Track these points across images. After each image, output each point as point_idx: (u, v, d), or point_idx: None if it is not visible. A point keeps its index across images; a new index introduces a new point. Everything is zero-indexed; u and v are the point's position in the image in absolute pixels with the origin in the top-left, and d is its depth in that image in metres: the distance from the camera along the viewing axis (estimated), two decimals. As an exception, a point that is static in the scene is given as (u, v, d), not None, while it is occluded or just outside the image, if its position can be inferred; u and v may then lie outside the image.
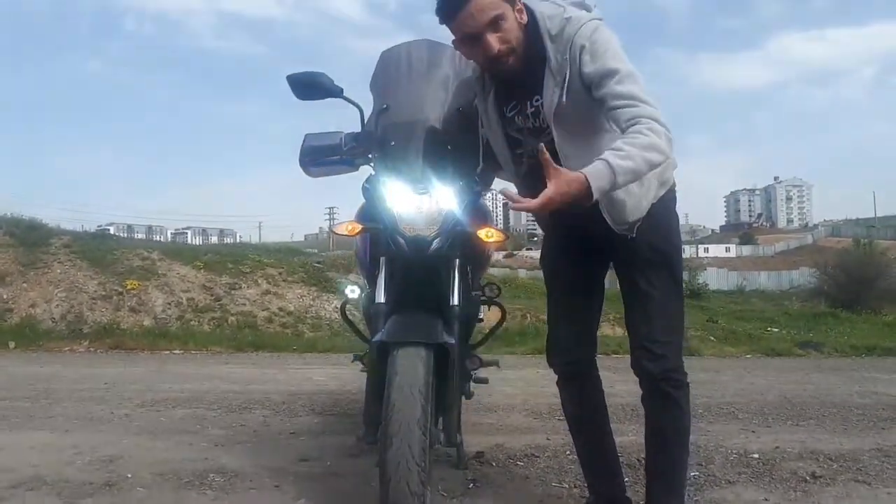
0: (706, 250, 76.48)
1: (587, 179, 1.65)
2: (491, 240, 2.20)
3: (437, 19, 1.91)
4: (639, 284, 2.03)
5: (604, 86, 1.81)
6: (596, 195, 1.67)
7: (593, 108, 1.87)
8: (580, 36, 1.85)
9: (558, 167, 1.68)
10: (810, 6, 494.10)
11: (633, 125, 1.74)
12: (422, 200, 2.09)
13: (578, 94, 1.86)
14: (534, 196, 2.05)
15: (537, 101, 1.95)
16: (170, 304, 10.64)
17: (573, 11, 1.92)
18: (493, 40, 1.86)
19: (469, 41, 1.91)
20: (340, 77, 2.33)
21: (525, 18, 1.91)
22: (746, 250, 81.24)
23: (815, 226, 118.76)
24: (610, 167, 1.66)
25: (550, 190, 1.65)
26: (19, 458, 3.02)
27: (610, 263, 2.19)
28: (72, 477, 2.73)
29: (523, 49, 1.90)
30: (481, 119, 2.14)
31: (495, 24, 1.85)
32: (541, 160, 1.67)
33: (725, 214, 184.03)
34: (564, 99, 1.86)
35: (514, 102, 2.02)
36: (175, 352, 8.74)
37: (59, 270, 10.94)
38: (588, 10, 1.94)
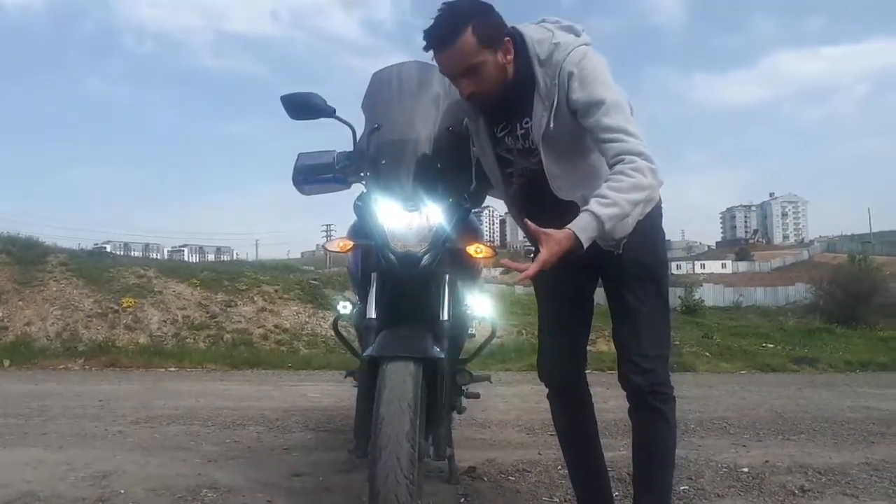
0: (702, 266, 76.65)
1: (575, 235, 1.73)
2: (480, 256, 2.24)
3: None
4: (626, 299, 2.07)
5: (591, 115, 1.86)
6: (586, 245, 1.75)
7: (580, 131, 1.92)
8: (568, 62, 1.89)
9: (547, 231, 1.76)
10: (804, 25, 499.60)
11: (618, 162, 1.81)
12: (412, 217, 2.13)
13: (566, 118, 1.91)
14: (524, 212, 2.12)
15: (526, 123, 2.00)
16: (165, 321, 10.64)
17: (562, 36, 1.95)
18: (465, 85, 1.93)
19: (448, 76, 1.99)
20: (337, 94, 2.39)
21: (510, 57, 1.94)
22: (742, 266, 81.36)
23: (811, 242, 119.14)
24: (595, 217, 1.74)
25: (544, 253, 1.73)
26: (13, 474, 3.03)
27: (597, 278, 2.22)
28: (65, 493, 2.75)
29: (513, 73, 1.95)
30: (472, 138, 2.19)
31: (470, 71, 1.91)
32: (529, 231, 1.79)
33: (721, 230, 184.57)
34: (552, 124, 1.91)
35: (504, 123, 2.07)
36: (170, 369, 8.74)
37: (54, 288, 10.95)
38: (577, 34, 1.98)
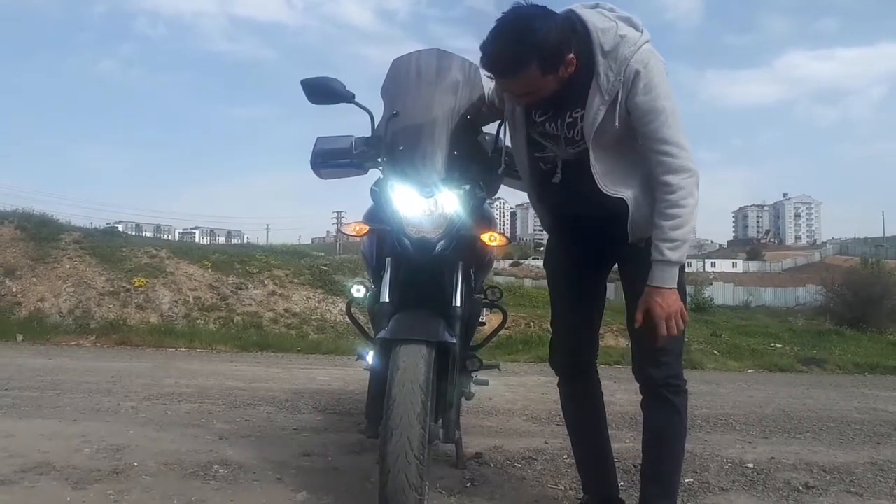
0: (713, 265, 76.40)
1: (662, 289, 1.91)
2: (494, 244, 2.26)
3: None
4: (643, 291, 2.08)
5: (649, 122, 1.87)
6: (676, 285, 1.93)
7: (628, 129, 1.91)
8: (636, 60, 1.86)
9: (642, 308, 1.94)
10: (818, 25, 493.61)
11: (666, 184, 1.89)
12: (428, 204, 2.15)
13: (621, 116, 1.89)
14: (543, 198, 2.16)
15: (577, 113, 1.95)
16: (176, 302, 10.74)
17: (625, 29, 1.91)
18: (522, 101, 1.98)
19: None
20: (349, 82, 2.40)
21: (571, 70, 1.88)
22: (753, 266, 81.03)
23: (823, 243, 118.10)
24: (670, 263, 1.91)
25: (659, 319, 1.91)
26: (29, 444, 3.09)
27: (611, 266, 2.24)
28: (80, 464, 2.80)
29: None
30: (507, 117, 2.17)
31: (529, 94, 1.92)
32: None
33: (733, 230, 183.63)
34: (609, 121, 1.89)
35: (545, 108, 2.01)
36: (180, 349, 8.81)
37: (68, 265, 11.06)
38: (636, 28, 1.93)
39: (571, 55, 1.85)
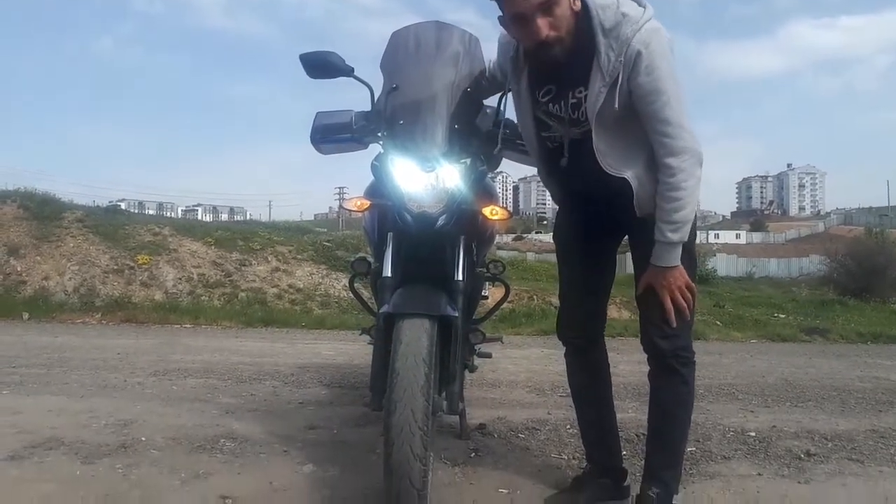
0: (716, 236, 76.40)
1: (666, 266, 1.97)
2: (496, 217, 2.25)
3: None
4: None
5: (651, 104, 1.86)
6: (679, 263, 1.98)
7: (631, 109, 1.90)
8: (637, 40, 1.82)
9: (644, 285, 2.01)
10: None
11: (668, 165, 1.90)
12: (429, 178, 2.14)
13: (623, 97, 1.87)
14: (552, 175, 2.16)
15: (580, 93, 1.93)
16: (181, 279, 10.77)
17: (627, 5, 1.87)
18: (543, 25, 1.82)
19: (518, 21, 1.86)
20: (349, 58, 2.38)
21: (578, 5, 1.86)
22: (757, 237, 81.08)
23: (828, 214, 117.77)
24: (673, 244, 1.94)
25: (664, 295, 1.99)
26: (37, 420, 3.13)
27: (621, 238, 2.24)
28: (88, 439, 2.84)
29: (574, 35, 1.86)
30: (513, 97, 2.15)
31: (547, 7, 1.81)
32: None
33: (737, 201, 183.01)
34: (609, 102, 1.87)
35: (549, 87, 2.01)
36: (185, 326, 8.86)
37: (71, 244, 11.08)
38: (639, 3, 1.90)
39: None
